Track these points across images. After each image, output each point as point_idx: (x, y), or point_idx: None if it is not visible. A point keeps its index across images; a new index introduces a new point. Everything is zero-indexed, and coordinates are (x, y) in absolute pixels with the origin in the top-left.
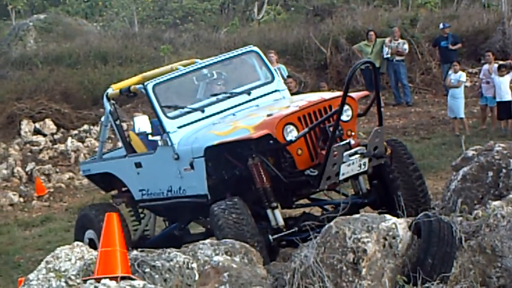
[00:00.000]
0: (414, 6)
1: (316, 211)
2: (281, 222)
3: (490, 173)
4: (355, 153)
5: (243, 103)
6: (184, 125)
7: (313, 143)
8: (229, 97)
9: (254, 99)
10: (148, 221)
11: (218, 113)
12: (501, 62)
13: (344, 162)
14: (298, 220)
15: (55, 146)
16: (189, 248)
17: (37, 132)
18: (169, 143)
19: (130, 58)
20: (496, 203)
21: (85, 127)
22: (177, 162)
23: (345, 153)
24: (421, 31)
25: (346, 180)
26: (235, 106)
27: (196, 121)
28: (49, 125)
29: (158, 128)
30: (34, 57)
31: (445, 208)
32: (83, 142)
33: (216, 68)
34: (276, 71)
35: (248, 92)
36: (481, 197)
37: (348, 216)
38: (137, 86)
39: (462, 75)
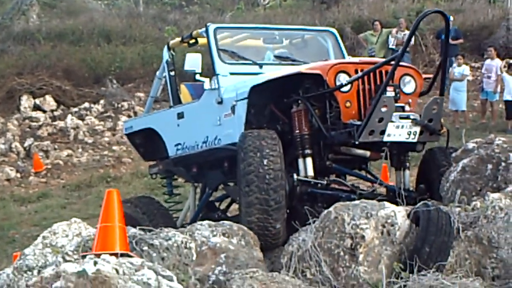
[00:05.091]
0: None
1: None
2: (310, 172)
3: (490, 166)
4: (407, 117)
5: None
6: (237, 73)
7: (365, 100)
8: (291, 64)
9: None
10: (188, 206)
11: None
12: (510, 61)
13: (392, 122)
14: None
15: (55, 122)
16: (187, 229)
17: (36, 108)
18: (216, 86)
19: (134, 37)
20: (495, 195)
21: (86, 105)
22: (219, 107)
23: (395, 114)
24: (426, 23)
25: (391, 156)
26: None
27: (250, 73)
28: (49, 102)
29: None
30: (37, 32)
31: (443, 198)
32: (83, 120)
33: (287, 36)
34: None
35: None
36: (480, 189)
37: (347, 202)
38: (200, 30)
39: (466, 69)
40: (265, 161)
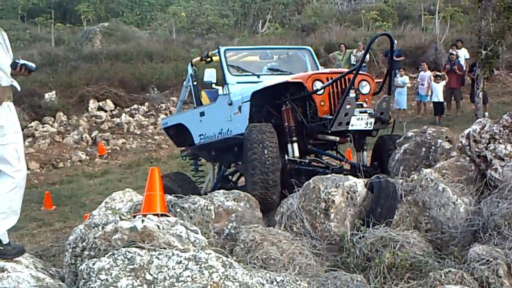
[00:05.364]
0: (373, 27)
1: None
2: (297, 153)
3: (423, 149)
4: (365, 112)
5: None
6: (241, 82)
7: (334, 100)
8: (280, 74)
9: None
10: (209, 179)
11: None
12: (437, 73)
13: (354, 115)
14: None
15: (113, 119)
16: (208, 196)
17: (100, 108)
18: (227, 92)
19: (169, 57)
20: (427, 170)
21: (135, 106)
22: (229, 108)
23: (357, 109)
24: (378, 45)
25: (354, 140)
26: None
27: (251, 82)
28: (109, 104)
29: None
30: (99, 54)
31: (391, 172)
32: (133, 117)
33: (277, 53)
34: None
35: None
36: (416, 166)
37: (323, 176)
38: (214, 51)
39: (406, 78)
40: (265, 151)
